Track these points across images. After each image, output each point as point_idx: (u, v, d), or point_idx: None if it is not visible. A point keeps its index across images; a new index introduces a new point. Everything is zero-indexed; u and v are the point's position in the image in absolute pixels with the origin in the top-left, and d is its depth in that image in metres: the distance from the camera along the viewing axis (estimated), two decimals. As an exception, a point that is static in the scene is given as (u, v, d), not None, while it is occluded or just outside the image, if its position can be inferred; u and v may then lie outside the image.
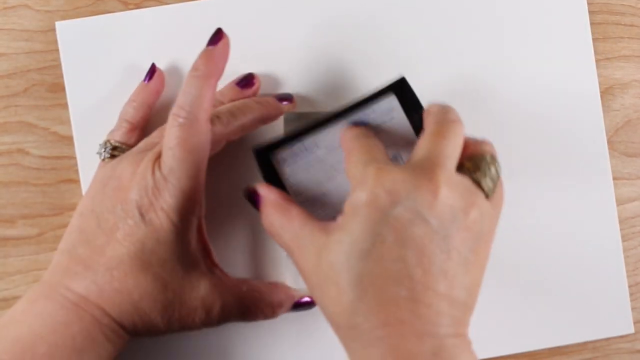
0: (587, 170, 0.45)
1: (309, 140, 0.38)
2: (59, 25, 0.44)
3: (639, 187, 0.46)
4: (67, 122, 0.44)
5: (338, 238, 0.32)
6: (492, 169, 0.34)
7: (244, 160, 0.44)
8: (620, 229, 0.45)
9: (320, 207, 0.38)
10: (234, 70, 0.43)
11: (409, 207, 0.31)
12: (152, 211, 0.36)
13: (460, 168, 0.34)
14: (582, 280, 0.44)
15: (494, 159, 0.35)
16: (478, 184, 0.33)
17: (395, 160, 0.38)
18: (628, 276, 0.45)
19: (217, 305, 0.38)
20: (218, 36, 0.39)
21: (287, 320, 0.43)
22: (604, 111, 0.45)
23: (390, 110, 0.38)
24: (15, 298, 0.43)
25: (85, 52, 0.44)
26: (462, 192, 0.32)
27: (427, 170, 0.32)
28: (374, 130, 0.38)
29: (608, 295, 0.45)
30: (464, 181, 0.33)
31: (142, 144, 0.40)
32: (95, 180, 0.39)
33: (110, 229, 0.37)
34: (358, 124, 0.38)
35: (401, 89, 0.38)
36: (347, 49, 0.44)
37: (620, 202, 0.45)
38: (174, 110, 0.37)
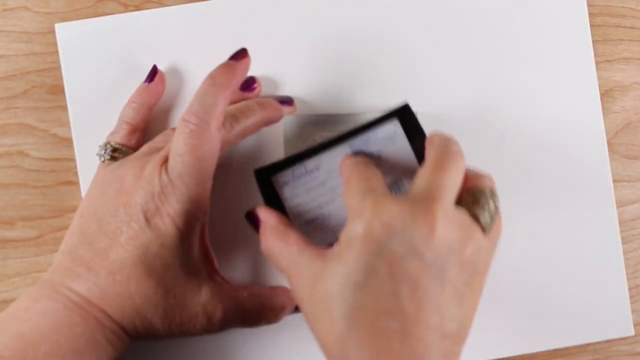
0: (587, 173, 0.45)
1: (311, 163, 0.38)
2: (59, 27, 0.44)
3: (639, 189, 0.46)
4: (66, 124, 0.44)
5: (333, 267, 0.32)
6: (491, 203, 0.34)
7: (244, 163, 0.44)
8: (621, 231, 0.45)
9: (318, 230, 0.38)
10: None
11: (405, 241, 0.32)
12: (157, 216, 0.36)
13: (459, 201, 0.34)
14: (583, 283, 0.44)
15: (493, 193, 0.35)
16: (476, 219, 0.34)
17: (395, 186, 0.38)
18: (628, 278, 0.45)
19: (218, 312, 0.38)
20: (242, 54, 0.39)
21: (288, 323, 0.43)
22: (604, 113, 0.45)
23: (393, 136, 0.38)
24: (15, 300, 0.43)
25: (85, 54, 0.44)
26: (459, 226, 0.32)
27: (425, 203, 0.32)
28: (376, 155, 0.38)
29: (608, 298, 0.44)
30: (462, 215, 0.33)
31: (145, 147, 0.40)
32: (95, 183, 0.39)
33: (113, 232, 0.36)
34: (358, 152, 0.38)
35: (404, 115, 0.38)
36: (348, 52, 0.44)
37: (620, 204, 0.45)
38: (185, 116, 0.36)
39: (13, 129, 0.44)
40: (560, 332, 0.44)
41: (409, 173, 0.38)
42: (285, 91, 0.44)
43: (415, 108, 0.44)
